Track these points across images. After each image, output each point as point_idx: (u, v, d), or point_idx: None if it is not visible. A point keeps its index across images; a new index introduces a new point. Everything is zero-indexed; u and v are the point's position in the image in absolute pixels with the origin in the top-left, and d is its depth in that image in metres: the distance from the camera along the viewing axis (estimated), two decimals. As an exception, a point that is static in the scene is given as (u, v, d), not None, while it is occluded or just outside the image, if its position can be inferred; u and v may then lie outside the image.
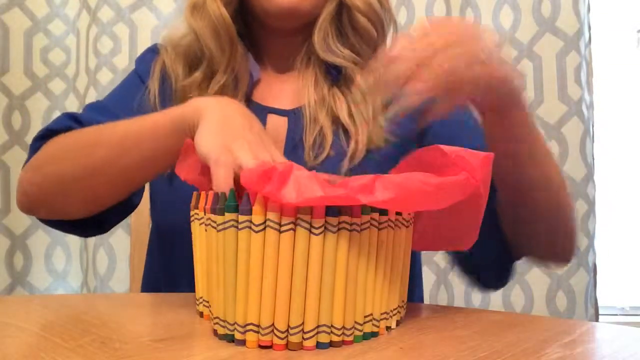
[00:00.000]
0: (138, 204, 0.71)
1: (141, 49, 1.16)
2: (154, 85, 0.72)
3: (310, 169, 0.65)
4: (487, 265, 0.66)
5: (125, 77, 0.78)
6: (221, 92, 0.69)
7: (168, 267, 0.70)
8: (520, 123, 0.56)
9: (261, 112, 0.69)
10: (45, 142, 0.65)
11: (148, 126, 0.56)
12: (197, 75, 0.70)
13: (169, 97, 0.73)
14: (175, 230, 0.67)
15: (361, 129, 0.67)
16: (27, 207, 0.66)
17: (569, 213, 0.64)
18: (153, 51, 0.77)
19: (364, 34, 0.70)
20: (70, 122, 0.66)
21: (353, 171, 0.64)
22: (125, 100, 0.72)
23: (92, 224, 0.66)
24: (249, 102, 0.71)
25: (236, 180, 0.44)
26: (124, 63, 1.16)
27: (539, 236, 0.63)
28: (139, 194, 0.70)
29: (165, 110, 0.57)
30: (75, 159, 0.61)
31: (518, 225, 0.62)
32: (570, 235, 0.65)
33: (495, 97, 0.52)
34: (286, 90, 0.72)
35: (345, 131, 0.67)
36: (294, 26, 0.70)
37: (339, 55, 0.68)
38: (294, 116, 0.68)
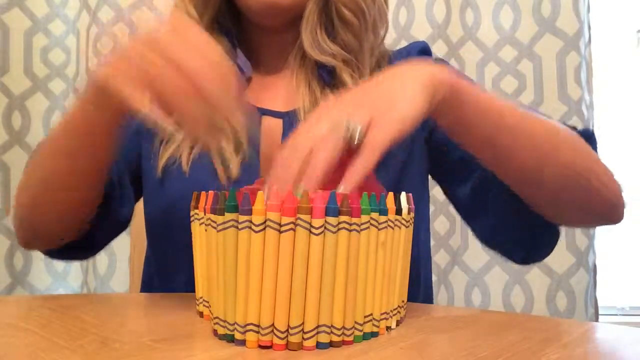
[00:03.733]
0: (129, 221, 0.72)
1: (141, 49, 1.16)
2: None
3: None
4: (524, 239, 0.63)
5: None
6: None
7: (161, 265, 0.71)
8: (471, 109, 0.51)
9: (254, 114, 0.69)
10: None
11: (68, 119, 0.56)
12: None
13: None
14: (167, 229, 0.68)
15: None
16: (24, 240, 0.67)
17: (587, 168, 0.57)
18: None
19: (350, 28, 0.69)
20: None
21: None
22: None
23: (85, 246, 0.67)
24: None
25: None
26: (124, 63, 1.16)
27: (564, 203, 0.58)
28: (127, 208, 0.71)
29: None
30: (30, 174, 0.62)
31: (536, 199, 0.58)
32: (600, 191, 0.59)
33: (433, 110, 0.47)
34: (279, 91, 0.72)
35: None
36: (278, 22, 0.70)
37: (328, 52, 0.67)
38: (289, 119, 0.68)
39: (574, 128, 0.61)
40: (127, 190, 0.71)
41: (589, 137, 0.61)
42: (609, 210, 0.62)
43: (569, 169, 0.56)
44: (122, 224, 0.72)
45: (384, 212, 0.39)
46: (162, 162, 0.68)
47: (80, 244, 0.66)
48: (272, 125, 0.69)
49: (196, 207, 0.45)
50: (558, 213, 0.62)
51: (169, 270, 0.69)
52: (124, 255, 1.15)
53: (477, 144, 0.55)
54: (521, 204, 0.60)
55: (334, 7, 0.68)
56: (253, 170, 0.67)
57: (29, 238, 0.66)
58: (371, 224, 0.38)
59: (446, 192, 0.73)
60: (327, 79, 0.69)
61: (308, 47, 0.68)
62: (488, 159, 0.56)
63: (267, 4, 0.66)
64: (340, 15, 0.68)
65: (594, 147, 0.62)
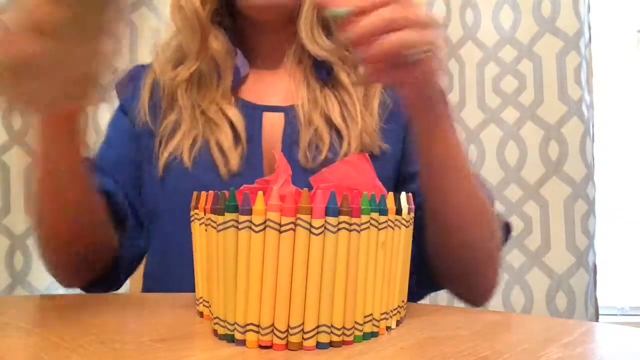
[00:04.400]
0: (145, 251, 0.73)
1: (141, 49, 1.16)
2: (144, 99, 0.73)
3: (306, 170, 0.66)
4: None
5: (111, 119, 0.79)
6: (199, 83, 0.70)
7: (161, 265, 0.71)
8: (446, 121, 0.56)
9: (254, 111, 0.69)
10: None
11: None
12: (183, 67, 0.71)
13: (158, 99, 0.73)
14: (168, 227, 0.69)
15: (353, 130, 0.67)
16: (56, 278, 0.68)
17: (495, 244, 0.63)
18: (132, 73, 0.79)
19: None
20: None
21: None
22: (117, 145, 0.74)
23: (112, 278, 0.69)
24: (236, 99, 0.71)
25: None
26: (124, 63, 1.16)
27: (463, 259, 0.62)
28: (144, 240, 0.72)
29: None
30: (34, 210, 0.62)
31: (446, 248, 0.62)
32: (493, 266, 0.64)
33: (426, 93, 0.52)
34: (278, 88, 0.72)
35: (337, 132, 0.67)
36: (275, 19, 0.70)
37: (325, 47, 0.68)
38: (290, 113, 0.69)
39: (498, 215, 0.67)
40: (140, 218, 0.72)
41: (506, 227, 0.68)
42: (484, 292, 0.66)
43: (482, 241, 0.61)
44: (141, 253, 0.73)
45: (384, 212, 0.40)
46: (162, 161, 0.68)
47: (106, 277, 0.68)
48: (274, 120, 0.69)
49: (196, 207, 0.45)
50: (451, 270, 0.65)
51: (169, 270, 0.70)
52: (124, 255, 1.15)
53: (433, 163, 0.57)
54: (424, 253, 0.64)
55: None
56: (256, 164, 0.67)
57: (56, 275, 0.67)
58: (371, 224, 0.38)
59: None
60: (325, 77, 0.69)
61: (307, 42, 0.68)
62: (433, 183, 0.59)
63: (259, 4, 0.67)
64: None
65: (507, 237, 0.68)
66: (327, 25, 0.69)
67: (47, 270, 0.67)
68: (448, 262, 0.63)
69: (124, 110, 0.75)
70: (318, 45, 0.68)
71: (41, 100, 0.42)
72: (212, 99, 0.70)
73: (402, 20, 0.46)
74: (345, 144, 0.66)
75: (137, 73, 0.77)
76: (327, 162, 0.64)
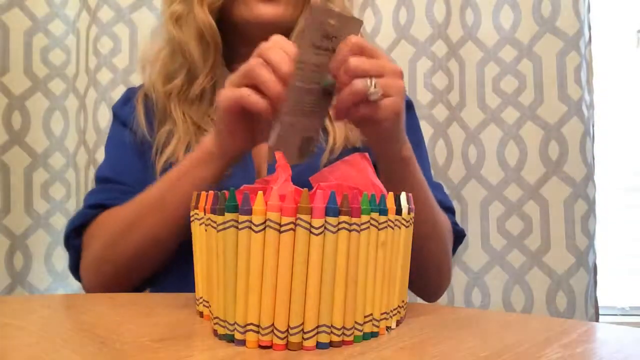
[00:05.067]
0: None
1: (141, 49, 1.16)
2: (140, 114, 0.76)
3: (295, 166, 0.67)
4: None
5: (110, 129, 0.82)
6: (201, 97, 0.73)
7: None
8: (406, 160, 0.61)
9: None
10: (80, 237, 0.72)
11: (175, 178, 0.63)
12: (177, 82, 0.73)
13: (152, 112, 0.76)
14: None
15: (338, 126, 0.72)
16: (87, 291, 0.74)
17: (447, 257, 0.73)
18: (128, 94, 0.82)
19: (336, 45, 0.72)
20: (94, 210, 0.71)
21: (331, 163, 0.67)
22: (125, 153, 0.77)
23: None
24: None
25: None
26: (124, 63, 1.16)
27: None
28: None
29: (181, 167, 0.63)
30: (129, 238, 0.65)
31: None
32: (446, 272, 0.74)
33: (390, 129, 0.56)
34: None
35: (324, 129, 0.71)
36: (271, 34, 0.72)
37: None
38: None
39: (455, 224, 0.77)
40: None
41: (459, 235, 0.78)
42: (437, 285, 0.77)
43: (437, 249, 0.70)
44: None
45: (384, 212, 0.39)
46: (159, 167, 0.70)
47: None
48: None
49: (196, 207, 0.45)
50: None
51: (168, 270, 0.70)
52: (124, 255, 1.15)
53: (395, 189, 0.61)
54: None
55: None
56: (247, 165, 0.69)
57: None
58: (371, 224, 0.38)
59: None
60: None
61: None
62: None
63: (267, 20, 0.71)
64: None
65: (458, 243, 0.79)
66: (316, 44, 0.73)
67: (84, 285, 0.72)
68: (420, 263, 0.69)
69: (130, 128, 0.77)
70: None
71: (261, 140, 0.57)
72: (205, 112, 0.73)
73: (371, 67, 0.51)
74: (331, 139, 0.71)
75: (133, 94, 0.80)
76: (314, 157, 0.66)
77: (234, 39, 0.75)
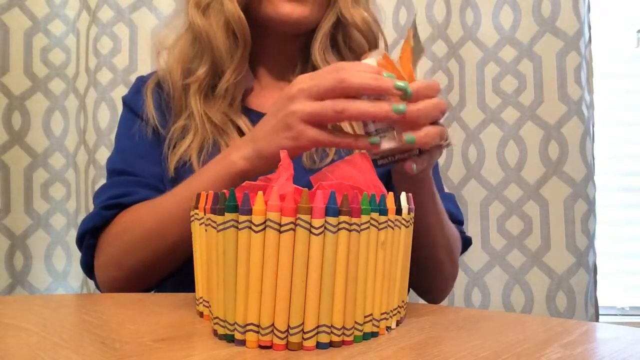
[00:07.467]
0: None
1: (141, 49, 1.16)
2: (149, 105, 0.74)
3: (310, 171, 0.67)
4: None
5: (121, 120, 0.80)
6: (225, 93, 0.71)
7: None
8: (429, 193, 0.63)
9: (259, 119, 0.70)
10: (95, 238, 0.70)
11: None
12: (201, 73, 0.71)
13: (165, 103, 0.74)
14: None
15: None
16: (101, 290, 0.71)
17: (454, 265, 0.74)
18: (138, 83, 0.80)
19: (357, 49, 0.73)
20: (111, 211, 0.69)
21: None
22: (134, 142, 0.75)
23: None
24: (245, 109, 0.73)
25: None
26: (124, 63, 1.16)
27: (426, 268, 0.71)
28: None
29: (202, 174, 0.61)
30: (148, 247, 0.64)
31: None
32: (451, 280, 0.76)
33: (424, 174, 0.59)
34: None
35: None
36: (296, 33, 0.74)
37: None
38: None
39: (462, 232, 0.79)
40: None
41: (466, 241, 0.80)
42: (443, 288, 0.79)
43: (444, 250, 0.71)
44: None
45: (384, 212, 0.39)
46: (172, 164, 0.70)
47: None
48: None
49: (196, 207, 0.45)
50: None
51: (181, 271, 0.70)
52: (124, 255, 1.15)
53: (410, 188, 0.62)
54: None
55: (346, 30, 0.74)
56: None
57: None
58: (371, 224, 0.38)
59: None
60: None
61: (319, 63, 0.72)
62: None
63: (294, 20, 0.71)
64: (350, 37, 0.74)
65: (466, 248, 0.81)
66: (334, 45, 0.74)
67: (99, 286, 0.70)
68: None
69: (142, 118, 0.76)
70: (327, 64, 0.72)
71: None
72: (219, 108, 0.71)
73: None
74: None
75: (143, 84, 0.79)
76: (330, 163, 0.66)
77: (257, 37, 0.73)
